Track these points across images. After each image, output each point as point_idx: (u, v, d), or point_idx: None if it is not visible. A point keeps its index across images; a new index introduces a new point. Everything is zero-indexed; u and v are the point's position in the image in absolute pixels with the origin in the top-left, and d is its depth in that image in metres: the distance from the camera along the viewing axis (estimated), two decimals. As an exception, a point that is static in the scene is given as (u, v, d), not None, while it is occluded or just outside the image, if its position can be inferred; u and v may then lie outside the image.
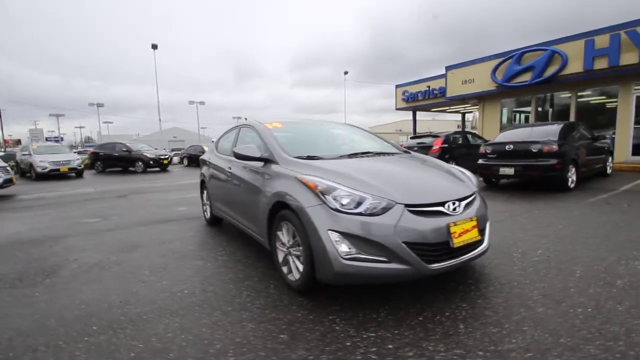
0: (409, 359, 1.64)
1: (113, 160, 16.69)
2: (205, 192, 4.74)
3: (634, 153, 10.45)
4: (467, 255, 2.23)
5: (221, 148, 4.46)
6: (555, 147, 6.65)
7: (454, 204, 2.24)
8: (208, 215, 4.69)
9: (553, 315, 1.99)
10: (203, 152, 19.48)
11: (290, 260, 2.46)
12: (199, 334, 1.92)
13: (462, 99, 15.76)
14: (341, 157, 2.87)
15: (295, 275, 2.41)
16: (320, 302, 2.26)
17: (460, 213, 2.23)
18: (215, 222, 4.62)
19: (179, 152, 26.23)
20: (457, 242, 2.14)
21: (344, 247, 2.03)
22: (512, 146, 7.11)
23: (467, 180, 2.65)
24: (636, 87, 10.37)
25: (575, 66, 10.82)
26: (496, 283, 2.47)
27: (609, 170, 8.59)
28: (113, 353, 1.77)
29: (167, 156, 17.26)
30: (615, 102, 11.04)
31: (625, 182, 7.49)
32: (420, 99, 18.94)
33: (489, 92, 13.95)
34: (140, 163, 15.82)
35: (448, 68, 15.63)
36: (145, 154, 16.06)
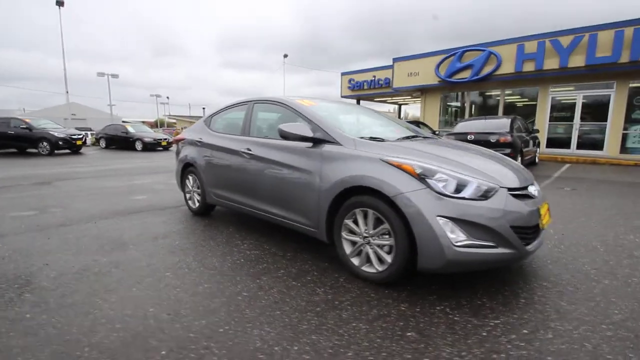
0: (550, 338, 1.60)
1: (7, 140, 13.45)
2: (190, 177, 4.08)
3: (548, 145, 12.41)
4: (542, 236, 2.30)
5: (220, 127, 3.86)
6: (509, 138, 7.46)
7: (532, 187, 2.28)
8: (196, 204, 4.07)
9: (619, 285, 2.18)
10: (127, 132, 17.16)
11: (369, 250, 2.23)
12: (315, 344, 1.59)
13: (407, 91, 16.68)
14: (399, 139, 2.69)
15: (376, 267, 2.18)
16: (406, 293, 2.10)
17: (539, 197, 2.28)
18: (205, 211, 4.03)
19: (88, 131, 22.42)
20: (543, 224, 2.18)
21: (455, 234, 1.89)
22: (473, 136, 7.76)
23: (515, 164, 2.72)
24: (552, 89, 12.25)
25: (507, 67, 12.26)
26: (533, 262, 2.62)
27: (537, 160, 10.05)
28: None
29: (80, 136, 14.60)
30: (535, 101, 12.89)
31: (552, 170, 8.82)
32: (366, 88, 19.46)
33: (433, 86, 15.02)
34: (45, 143, 13.05)
35: (395, 60, 16.31)
36: (52, 132, 13.30)
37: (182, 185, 4.34)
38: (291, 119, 2.89)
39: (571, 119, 11.98)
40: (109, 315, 1.87)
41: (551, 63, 11.15)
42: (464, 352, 1.54)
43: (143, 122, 24.90)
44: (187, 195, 4.25)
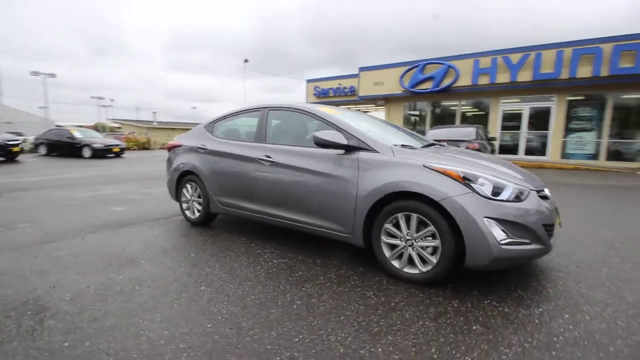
0: (589, 320, 1.82)
1: None
2: (189, 186, 3.89)
3: (500, 152, 13.66)
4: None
5: (227, 133, 3.75)
6: (476, 144, 8.13)
7: (546, 189, 2.55)
8: (195, 214, 3.88)
9: (617, 272, 2.52)
10: (72, 138, 15.59)
11: (412, 253, 2.32)
12: (396, 344, 1.63)
13: (373, 99, 17.35)
14: (423, 147, 2.85)
15: (420, 268, 2.29)
16: (450, 291, 2.23)
17: (551, 198, 2.56)
18: (207, 221, 3.87)
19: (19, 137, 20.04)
20: (557, 222, 2.45)
21: (500, 233, 2.06)
22: (445, 143, 8.32)
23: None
24: (502, 101, 13.55)
25: (465, 80, 13.34)
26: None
27: (495, 165, 11.00)
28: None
29: (17, 142, 13.02)
30: (486, 111, 14.15)
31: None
32: (331, 95, 19.89)
33: (397, 95, 15.81)
34: (-26, 149, 11.49)
35: (361, 69, 16.92)
36: (-19, 138, 11.74)
37: (178, 194, 4.11)
38: (320, 127, 2.92)
39: (519, 127, 13.34)
40: (165, 335, 1.74)
41: (503, 77, 12.37)
42: (529, 338, 1.70)
43: (80, 126, 22.87)
44: (185, 205, 4.04)
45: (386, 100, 16.85)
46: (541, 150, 12.81)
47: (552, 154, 12.45)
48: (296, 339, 1.71)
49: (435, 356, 1.57)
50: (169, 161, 4.27)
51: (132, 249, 3.11)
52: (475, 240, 2.06)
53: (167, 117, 62.21)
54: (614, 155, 11.68)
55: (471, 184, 2.14)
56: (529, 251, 2.13)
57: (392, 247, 2.43)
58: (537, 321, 1.86)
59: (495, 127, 13.73)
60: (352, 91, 18.65)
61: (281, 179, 2.99)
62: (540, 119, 12.85)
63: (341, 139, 2.58)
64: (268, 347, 1.64)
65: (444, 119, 15.52)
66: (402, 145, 2.62)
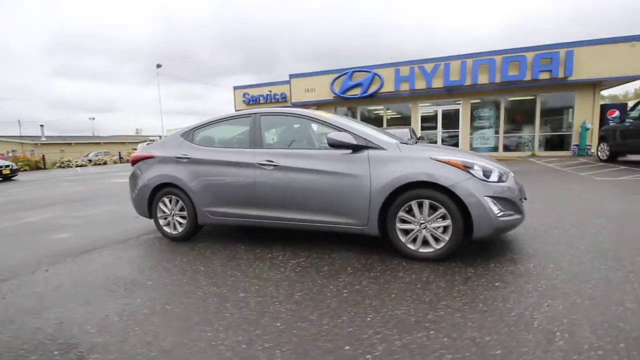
0: (566, 265, 2.39)
1: None
2: (167, 200, 3.63)
3: (422, 149, 15.42)
4: None
5: (212, 141, 3.64)
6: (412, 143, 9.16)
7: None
8: (177, 229, 3.65)
9: (579, 233, 3.27)
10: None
11: (426, 234, 2.66)
12: (461, 309, 1.92)
13: (304, 105, 17.83)
14: (415, 143, 3.25)
15: (434, 246, 2.65)
16: (459, 262, 2.63)
17: None
18: (192, 235, 3.67)
19: None
20: (524, 197, 3.08)
21: (496, 208, 2.53)
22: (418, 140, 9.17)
23: None
24: (421, 105, 15.38)
25: (389, 87, 14.76)
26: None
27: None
28: None
29: None
30: (407, 114, 15.87)
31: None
32: (262, 102, 19.77)
33: (328, 101, 16.58)
34: None
35: (292, 76, 17.28)
36: None
37: (151, 210, 3.79)
38: (321, 130, 3.09)
39: (435, 127, 15.31)
40: (241, 340, 1.72)
41: (420, 84, 14.07)
42: (537, 284, 2.16)
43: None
44: (162, 221, 3.75)
45: (318, 106, 17.52)
46: (455, 146, 14.90)
47: (464, 148, 14.62)
48: (369, 318, 1.87)
49: (485, 309, 1.91)
50: (135, 176, 3.91)
51: (124, 273, 2.82)
52: (480, 216, 2.50)
53: (53, 132, 53.22)
54: (508, 147, 14.29)
55: (470, 171, 2.58)
56: (514, 221, 2.66)
57: (406, 232, 2.75)
58: (535, 272, 2.37)
59: (416, 127, 15.48)
60: (284, 98, 18.88)
61: (288, 182, 3.06)
62: (451, 120, 14.96)
63: (351, 139, 2.81)
64: (349, 329, 1.78)
65: (371, 121, 16.84)
66: (401, 142, 2.97)
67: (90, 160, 26.81)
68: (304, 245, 3.28)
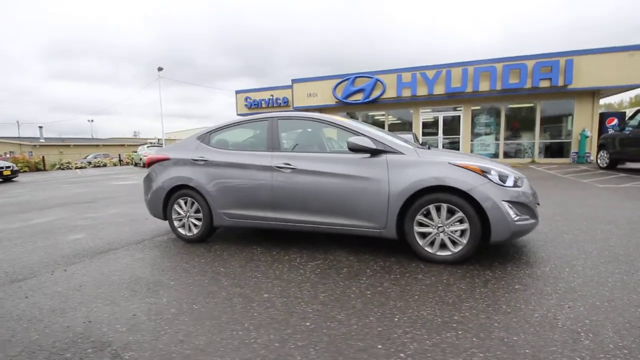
0: (581, 269, 2.45)
1: None
2: (182, 202, 3.68)
3: (424, 155, 15.54)
4: None
5: (229, 144, 3.69)
6: (416, 148, 9.25)
7: None
8: (193, 230, 3.69)
9: (589, 238, 3.34)
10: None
11: (444, 237, 2.72)
12: (485, 310, 1.97)
13: (307, 110, 17.95)
14: (429, 148, 3.33)
15: (452, 249, 2.70)
16: (477, 265, 2.69)
17: None
18: (207, 237, 3.70)
19: None
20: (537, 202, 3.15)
21: (513, 213, 2.60)
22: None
23: None
24: (422, 111, 15.53)
25: (391, 92, 14.90)
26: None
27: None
28: (454, 351, 1.59)
29: None
30: (408, 120, 16.01)
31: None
32: (264, 106, 19.87)
33: (331, 106, 16.70)
34: None
35: (294, 81, 17.41)
36: None
37: (166, 212, 3.83)
38: (339, 134, 3.15)
39: (436, 133, 15.45)
40: (275, 339, 1.76)
41: (422, 90, 14.23)
42: (556, 287, 2.22)
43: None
44: (177, 223, 3.78)
45: (320, 110, 17.63)
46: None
47: (464, 155, 14.75)
48: (396, 319, 1.92)
49: (508, 310, 1.96)
50: (150, 178, 3.96)
51: (145, 273, 2.85)
52: (497, 220, 2.56)
53: (51, 133, 52.95)
54: (508, 153, 14.44)
55: (487, 175, 2.65)
56: (529, 225, 2.72)
57: (423, 235, 2.80)
58: (552, 275, 2.43)
59: (418, 133, 15.61)
60: (286, 102, 18.99)
61: (306, 185, 3.11)
62: (452, 126, 15.10)
63: (370, 144, 2.87)
64: (379, 329, 1.82)
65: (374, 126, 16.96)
66: (418, 148, 3.04)
67: (89, 163, 26.71)
68: (320, 248, 3.32)
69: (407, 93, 14.56)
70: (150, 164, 3.99)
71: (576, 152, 13.06)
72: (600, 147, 10.11)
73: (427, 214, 2.76)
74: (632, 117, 8.71)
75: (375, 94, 15.15)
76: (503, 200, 2.58)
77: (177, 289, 2.49)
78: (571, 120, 13.44)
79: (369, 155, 2.94)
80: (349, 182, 2.96)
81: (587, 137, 12.62)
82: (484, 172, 2.66)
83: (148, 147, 23.20)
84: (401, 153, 2.88)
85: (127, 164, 28.36)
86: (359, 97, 15.57)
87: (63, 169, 23.48)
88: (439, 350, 1.62)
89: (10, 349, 1.81)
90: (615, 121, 12.33)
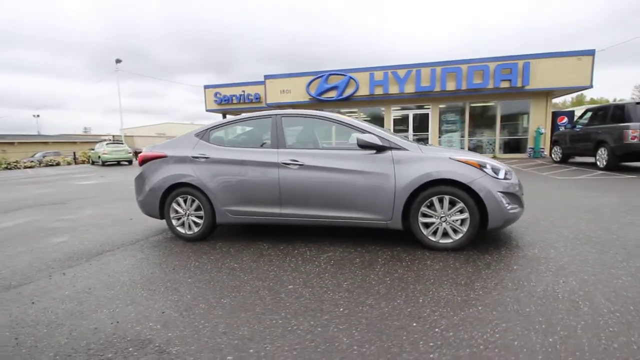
0: (563, 250, 2.80)
1: None
2: (181, 200, 3.64)
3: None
4: None
5: (231, 141, 3.70)
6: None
7: None
8: (193, 229, 3.65)
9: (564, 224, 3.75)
10: None
11: (446, 227, 2.96)
12: (495, 289, 2.21)
13: (280, 107, 17.84)
14: (426, 144, 3.56)
15: (453, 237, 2.95)
16: (475, 251, 2.95)
17: None
18: (208, 235, 3.69)
19: None
20: (519, 193, 3.51)
21: (505, 202, 2.89)
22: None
23: None
24: (393, 108, 16.08)
25: (364, 90, 15.27)
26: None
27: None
28: None
29: None
30: (379, 117, 16.52)
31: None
32: (235, 102, 19.49)
33: (304, 103, 16.74)
34: None
35: (267, 77, 17.22)
36: None
37: (163, 211, 3.75)
38: (343, 131, 3.28)
39: (407, 130, 16.09)
40: (316, 324, 1.87)
41: (393, 89, 14.74)
42: (548, 266, 2.53)
43: None
44: (175, 222, 3.72)
45: (293, 107, 17.62)
46: (424, 148, 15.77)
47: (433, 151, 15.52)
48: (420, 300, 2.10)
49: (515, 287, 2.22)
50: (144, 176, 3.85)
51: (155, 273, 2.81)
52: (494, 209, 2.85)
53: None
54: (472, 149, 15.41)
55: (484, 169, 2.92)
56: (518, 213, 3.04)
57: (427, 225, 3.02)
58: (542, 257, 2.75)
59: (390, 130, 16.16)
60: (258, 98, 18.78)
61: (314, 181, 3.21)
62: (421, 123, 15.82)
63: (377, 141, 3.04)
64: (408, 310, 1.99)
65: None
66: (420, 144, 3.26)
67: (39, 162, 24.55)
68: (324, 241, 3.44)
69: (379, 91, 15.00)
70: (143, 161, 3.87)
71: (532, 148, 14.27)
72: (554, 143, 11.15)
73: (430, 206, 2.99)
74: (582, 116, 9.71)
75: (349, 91, 15.44)
76: (498, 191, 2.87)
77: (197, 285, 2.50)
78: (527, 118, 14.64)
79: (374, 151, 3.11)
80: (356, 177, 3.10)
81: (542, 134, 13.83)
82: (481, 166, 2.93)
83: (107, 144, 21.77)
84: (405, 149, 3.08)
85: (83, 162, 26.44)
86: (332, 95, 15.77)
87: (10, 169, 21.40)
88: (467, 323, 1.82)
89: (41, 354, 1.75)
90: (566, 119, 13.65)
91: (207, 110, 20.80)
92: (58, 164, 24.79)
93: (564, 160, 10.67)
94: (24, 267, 3.08)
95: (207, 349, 1.71)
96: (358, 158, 3.14)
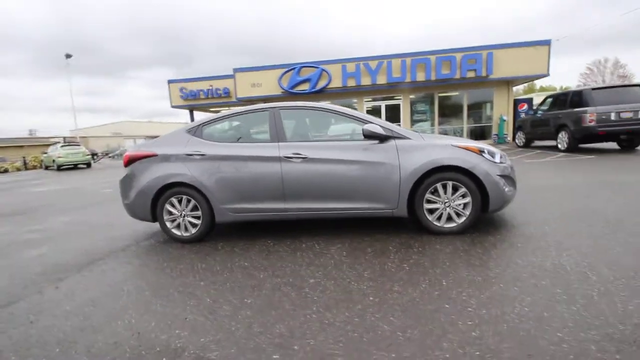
0: (555, 227, 3.02)
1: None
2: (175, 200, 3.46)
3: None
4: None
5: (226, 136, 3.57)
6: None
7: None
8: (190, 230, 3.49)
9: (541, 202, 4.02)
10: None
11: (450, 211, 3.07)
12: (508, 265, 2.33)
13: (251, 101, 17.41)
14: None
15: (457, 221, 3.07)
16: (477, 233, 3.09)
17: None
18: (206, 235, 3.55)
19: None
20: (509, 175, 3.71)
21: (502, 184, 3.05)
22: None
23: None
24: (366, 99, 16.28)
25: (336, 82, 15.29)
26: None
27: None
28: (506, 300, 1.91)
29: None
30: (354, 109, 16.66)
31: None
32: (202, 97, 18.74)
33: (276, 96, 16.46)
34: None
35: (236, 70, 16.71)
36: None
37: (155, 213, 3.56)
38: (344, 122, 3.28)
39: (379, 121, 16.38)
40: (351, 313, 1.87)
41: (366, 80, 14.91)
42: (548, 240, 2.71)
43: None
44: (170, 224, 3.54)
45: (265, 101, 17.28)
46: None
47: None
48: (444, 283, 2.17)
49: (526, 264, 2.36)
50: (131, 177, 3.61)
51: (161, 279, 2.68)
52: (495, 193, 2.99)
53: None
54: (442, 137, 16.03)
55: (483, 154, 3.05)
56: (513, 194, 3.22)
57: (431, 211, 3.12)
58: (539, 234, 2.94)
59: (362, 121, 16.38)
60: (227, 93, 18.19)
61: (318, 173, 3.18)
62: (393, 114, 16.17)
63: (381, 131, 3.06)
64: (436, 293, 2.05)
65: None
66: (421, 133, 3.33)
67: (-18, 169, 22.23)
68: (329, 233, 3.44)
69: (352, 83, 15.11)
70: (130, 161, 3.63)
71: (496, 134, 15.12)
72: (518, 128, 11.89)
73: (434, 192, 3.08)
74: (542, 103, 10.41)
75: (322, 84, 15.40)
76: (497, 175, 3.02)
77: (213, 287, 2.41)
78: (491, 106, 15.46)
79: (377, 141, 3.14)
80: (362, 167, 3.12)
81: (505, 120, 14.69)
82: (480, 152, 3.05)
83: (62, 146, 20.15)
84: (408, 138, 3.14)
85: (35, 167, 24.33)
86: (305, 87, 15.66)
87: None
88: (495, 300, 1.91)
89: (63, 374, 1.61)
90: (526, 106, 14.56)
91: (172, 107, 19.84)
92: (6, 171, 22.62)
93: (527, 144, 11.42)
94: (5, 285, 2.81)
95: (248, 351, 1.66)
96: (362, 148, 3.15)
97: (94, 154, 27.73)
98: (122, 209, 3.77)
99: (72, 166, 19.81)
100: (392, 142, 3.12)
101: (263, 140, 3.41)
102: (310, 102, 3.53)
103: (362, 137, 3.14)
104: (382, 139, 3.12)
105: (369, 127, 3.04)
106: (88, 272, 2.95)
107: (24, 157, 24.93)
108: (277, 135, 3.35)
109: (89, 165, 20.16)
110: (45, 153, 21.86)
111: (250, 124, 3.65)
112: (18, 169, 23.53)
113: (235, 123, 3.66)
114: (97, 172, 15.76)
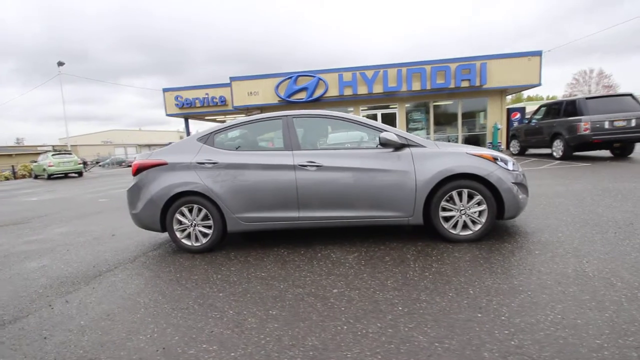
0: (568, 233, 3.05)
1: None
2: (186, 210, 3.41)
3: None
4: None
5: (239, 144, 3.54)
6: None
7: None
8: (201, 240, 3.43)
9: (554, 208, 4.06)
10: None
11: (465, 219, 3.07)
12: (530, 269, 2.33)
13: (248, 109, 17.42)
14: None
15: (473, 229, 3.07)
16: (493, 240, 3.11)
17: None
18: (217, 245, 3.49)
19: None
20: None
21: (517, 191, 3.07)
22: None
23: None
24: (362, 108, 16.43)
25: (333, 91, 15.41)
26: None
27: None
28: (536, 308, 1.90)
29: None
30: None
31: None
32: (199, 105, 18.69)
33: (273, 105, 16.51)
34: None
35: (232, 79, 16.72)
36: None
37: (164, 222, 3.49)
38: (363, 129, 3.32)
39: (375, 129, 16.51)
40: (368, 318, 1.84)
41: (362, 89, 15.06)
42: (565, 247, 2.73)
43: None
44: (180, 234, 3.48)
45: (262, 110, 17.30)
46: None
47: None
48: (470, 291, 2.16)
49: (548, 271, 2.36)
50: (140, 186, 3.54)
51: (177, 291, 2.61)
52: (510, 200, 3.01)
53: None
54: (437, 145, 16.21)
55: (497, 162, 3.08)
56: (525, 201, 3.25)
57: (446, 219, 3.12)
58: (555, 240, 2.96)
59: (358, 130, 16.48)
60: (223, 101, 18.17)
61: (334, 182, 3.17)
62: (389, 122, 16.28)
63: (396, 139, 3.08)
64: (465, 302, 2.04)
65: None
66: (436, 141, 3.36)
67: (-32, 178, 21.63)
68: (342, 242, 3.41)
69: (348, 92, 15.24)
70: (139, 170, 3.56)
71: (490, 143, 15.35)
72: (512, 137, 12.10)
73: (449, 200, 3.09)
74: (536, 112, 10.64)
75: (319, 92, 15.50)
76: (511, 182, 3.05)
77: (234, 299, 2.35)
78: (485, 115, 15.74)
79: (392, 149, 3.15)
80: (377, 175, 3.12)
81: (499, 129, 14.94)
82: (494, 159, 3.09)
83: (53, 155, 19.76)
84: (423, 146, 3.16)
85: (24, 176, 23.79)
86: (302, 96, 15.73)
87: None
88: (525, 308, 1.90)
89: (89, 393, 1.54)
90: (518, 115, 14.88)
91: (167, 115, 19.73)
92: (-7, 180, 22.02)
93: (522, 152, 11.62)
94: (11, 298, 2.70)
95: (283, 364, 1.61)
96: (377, 156, 3.16)
97: (84, 163, 27.26)
98: (122, 219, 3.71)
99: (63, 175, 19.44)
100: (407, 150, 3.13)
101: (276, 148, 3.40)
102: (325, 110, 3.54)
103: (373, 145, 3.15)
104: (398, 147, 3.13)
105: (386, 135, 3.05)
106: (97, 284, 2.86)
107: (12, 166, 24.35)
108: (291, 144, 3.33)
109: (80, 174, 19.79)
110: (35, 162, 21.41)
111: (263, 132, 3.64)
112: (7, 178, 22.96)
113: (246, 131, 3.63)
114: (89, 181, 15.47)
